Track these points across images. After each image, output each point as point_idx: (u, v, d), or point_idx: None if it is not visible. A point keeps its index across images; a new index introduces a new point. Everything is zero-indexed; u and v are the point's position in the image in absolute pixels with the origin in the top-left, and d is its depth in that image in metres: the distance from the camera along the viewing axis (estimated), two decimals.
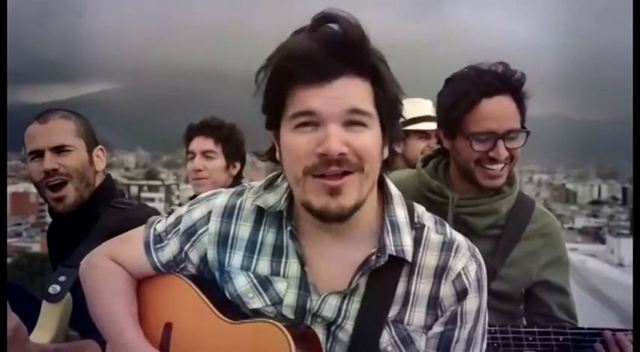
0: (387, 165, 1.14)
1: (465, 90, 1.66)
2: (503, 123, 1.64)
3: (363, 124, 1.03)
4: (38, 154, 1.83)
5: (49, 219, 2.00)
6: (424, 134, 2.76)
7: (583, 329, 1.67)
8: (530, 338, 1.66)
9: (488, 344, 1.22)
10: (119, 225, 1.45)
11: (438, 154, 1.89)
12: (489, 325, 1.65)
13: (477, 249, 1.19)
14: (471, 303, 1.14)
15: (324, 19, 1.03)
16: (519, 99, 1.67)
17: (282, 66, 1.03)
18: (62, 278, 1.57)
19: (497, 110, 1.64)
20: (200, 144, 2.58)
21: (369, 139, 1.04)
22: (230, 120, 2.69)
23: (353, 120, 1.02)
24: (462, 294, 1.13)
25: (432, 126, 2.66)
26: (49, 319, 1.54)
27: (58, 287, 1.56)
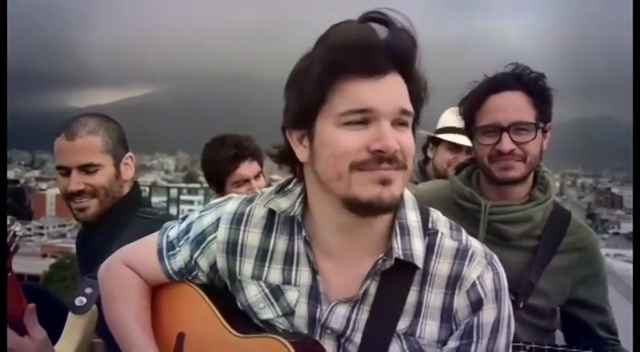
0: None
1: (476, 89, 1.68)
2: (509, 116, 1.61)
3: (406, 124, 1.03)
4: (66, 171, 1.83)
5: None
6: (454, 146, 2.69)
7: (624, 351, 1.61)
8: None
9: None
10: (143, 237, 1.43)
11: (472, 163, 1.85)
12: (525, 342, 1.61)
13: (495, 257, 1.13)
14: (487, 315, 1.07)
15: (373, 18, 1.00)
16: (534, 95, 1.63)
17: (332, 52, 0.97)
18: (89, 291, 1.57)
19: (503, 103, 1.63)
20: (250, 169, 2.56)
21: (411, 138, 1.04)
22: (245, 134, 2.65)
23: (400, 120, 1.01)
24: (476, 305, 1.07)
25: (461, 139, 2.59)
26: (74, 330, 1.55)
27: (84, 300, 1.56)
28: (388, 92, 0.99)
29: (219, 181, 2.58)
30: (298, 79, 1.03)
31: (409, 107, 1.02)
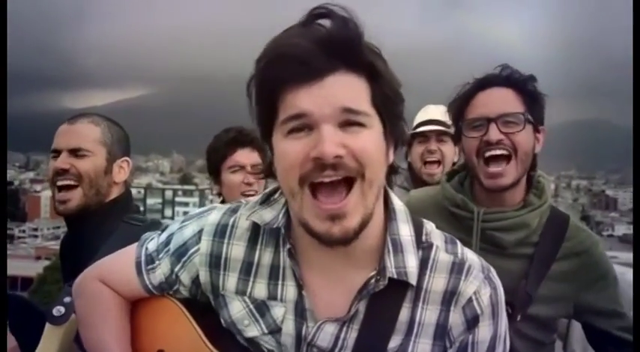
0: (393, 171, 1.05)
1: (463, 89, 1.65)
2: (496, 108, 1.58)
3: (360, 124, 0.94)
4: (57, 153, 1.84)
5: None
6: (423, 137, 2.69)
7: None
8: None
9: None
10: (129, 245, 1.37)
11: (463, 169, 1.79)
12: None
13: (492, 270, 1.08)
14: (483, 332, 1.03)
15: (316, 14, 0.95)
16: (523, 94, 1.60)
17: (268, 68, 0.95)
18: (67, 300, 1.48)
19: (490, 98, 1.60)
20: (249, 157, 2.50)
21: (369, 140, 0.95)
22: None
23: (349, 121, 0.94)
24: (472, 322, 1.02)
25: (428, 127, 2.63)
26: (51, 342, 1.48)
27: (62, 309, 1.48)
28: (325, 94, 0.93)
29: (216, 166, 2.54)
30: (249, 92, 1.00)
31: (359, 106, 0.94)
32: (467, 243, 1.14)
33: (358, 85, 0.95)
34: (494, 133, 1.55)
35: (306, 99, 0.93)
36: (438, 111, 2.65)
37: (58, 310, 1.49)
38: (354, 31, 0.94)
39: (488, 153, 1.56)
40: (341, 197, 0.93)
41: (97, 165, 1.84)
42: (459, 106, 1.65)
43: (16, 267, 42.76)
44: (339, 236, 0.94)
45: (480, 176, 1.60)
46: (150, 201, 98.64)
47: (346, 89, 0.94)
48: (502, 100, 1.59)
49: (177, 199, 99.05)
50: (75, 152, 1.83)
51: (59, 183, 1.82)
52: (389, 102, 0.98)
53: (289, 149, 0.94)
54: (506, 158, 1.57)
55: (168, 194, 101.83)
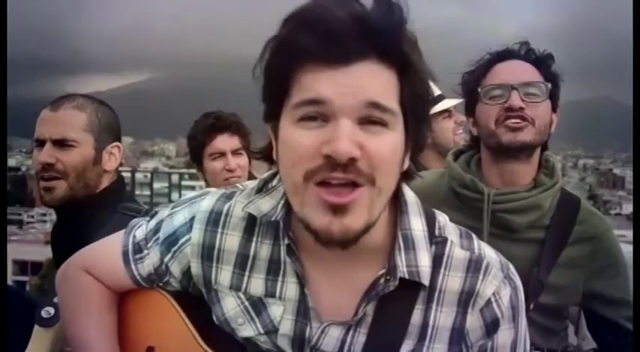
0: (406, 178, 0.94)
1: (480, 61, 1.59)
2: (517, 75, 1.51)
3: (383, 124, 0.83)
4: (40, 144, 1.68)
5: None
6: (447, 112, 2.61)
7: None
8: None
9: None
10: None
11: (470, 149, 1.71)
12: (537, 348, 1.47)
13: (511, 267, 0.99)
14: (504, 337, 0.95)
15: None
16: (543, 70, 1.54)
17: (289, 38, 0.82)
18: (57, 300, 1.34)
19: (511, 67, 1.54)
20: (228, 142, 2.47)
21: (388, 143, 0.84)
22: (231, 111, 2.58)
23: (371, 117, 0.82)
24: (492, 326, 0.94)
25: (450, 102, 2.54)
26: (40, 345, 1.35)
27: (52, 310, 1.35)
28: (350, 82, 0.80)
29: (197, 154, 2.51)
30: (262, 64, 0.87)
31: (385, 102, 0.82)
32: (476, 230, 1.06)
33: (388, 78, 0.84)
34: (516, 100, 1.48)
35: (327, 83, 0.81)
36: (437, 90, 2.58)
37: (47, 311, 1.35)
38: (398, 17, 0.82)
39: (509, 122, 1.49)
40: (347, 192, 0.83)
41: (85, 156, 1.69)
42: (476, 77, 1.57)
43: (25, 252, 43.11)
44: (338, 235, 0.84)
45: (500, 137, 1.51)
46: (157, 185, 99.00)
47: (375, 80, 0.82)
48: (523, 70, 1.53)
49: (183, 183, 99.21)
50: (60, 143, 1.66)
51: (45, 177, 1.67)
52: (418, 103, 0.87)
53: (298, 139, 0.83)
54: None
55: (175, 178, 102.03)
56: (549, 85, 1.52)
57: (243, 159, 2.50)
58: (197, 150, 2.52)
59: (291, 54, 0.82)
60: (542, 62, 1.55)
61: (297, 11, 0.83)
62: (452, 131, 2.63)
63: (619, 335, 1.55)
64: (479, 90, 1.55)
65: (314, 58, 0.81)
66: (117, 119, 1.81)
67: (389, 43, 0.82)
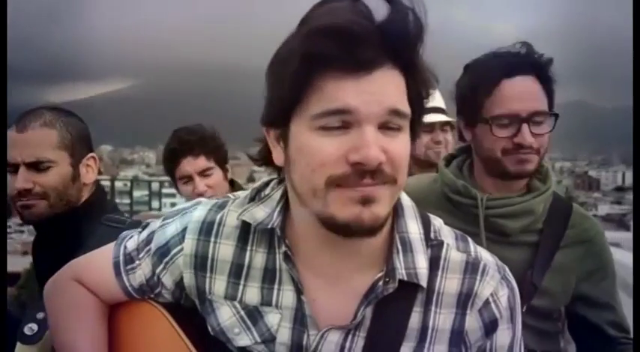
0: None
1: (484, 72, 1.49)
2: (527, 105, 1.45)
3: (398, 128, 0.85)
4: (14, 168, 1.57)
5: None
6: (427, 127, 2.53)
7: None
8: None
9: None
10: None
11: (462, 153, 1.69)
12: (530, 350, 1.45)
13: (507, 269, 1.00)
14: (502, 337, 0.96)
15: None
16: (545, 82, 1.49)
17: (310, 44, 0.80)
18: (41, 316, 1.29)
19: (519, 90, 1.46)
20: (192, 165, 2.34)
21: (403, 145, 0.86)
22: (195, 124, 2.48)
23: (390, 123, 0.84)
24: (490, 327, 0.95)
25: (435, 117, 2.50)
26: None
27: (35, 327, 1.29)
28: (375, 90, 0.81)
29: (171, 177, 2.44)
30: (274, 68, 0.87)
31: (403, 107, 0.84)
32: (470, 234, 1.07)
33: (400, 82, 0.85)
34: (527, 136, 1.44)
35: (353, 92, 0.80)
36: (437, 98, 2.51)
37: (30, 328, 1.29)
38: (417, 25, 0.82)
39: (518, 155, 1.47)
40: (374, 186, 0.84)
41: (63, 175, 1.61)
42: (481, 93, 1.49)
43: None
44: (369, 223, 0.84)
45: (506, 163, 1.49)
46: (137, 194, 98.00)
47: (393, 87, 0.84)
48: (531, 94, 1.46)
49: (164, 190, 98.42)
50: (34, 166, 1.57)
51: (22, 203, 1.58)
52: (420, 100, 0.89)
53: (321, 146, 0.83)
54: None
55: (155, 186, 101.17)
56: (556, 117, 1.49)
57: (213, 178, 2.39)
58: (170, 174, 2.46)
59: (312, 60, 0.80)
60: (545, 73, 1.49)
61: (318, 13, 0.82)
62: (425, 145, 2.56)
63: (599, 338, 1.55)
64: (484, 113, 1.48)
65: (336, 66, 0.80)
66: (86, 128, 1.73)
67: (406, 51, 0.83)
